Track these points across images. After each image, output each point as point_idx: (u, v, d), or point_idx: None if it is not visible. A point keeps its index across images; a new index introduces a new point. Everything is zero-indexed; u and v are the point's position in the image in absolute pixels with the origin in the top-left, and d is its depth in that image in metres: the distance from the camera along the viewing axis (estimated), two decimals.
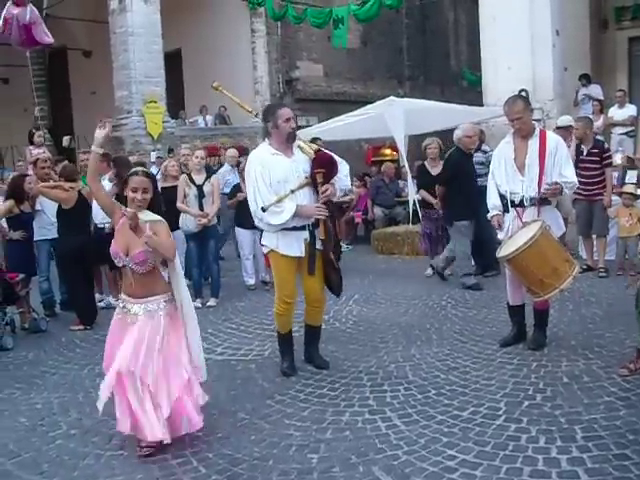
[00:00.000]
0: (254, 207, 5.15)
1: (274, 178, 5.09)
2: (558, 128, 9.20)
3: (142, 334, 4.11)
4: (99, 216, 8.08)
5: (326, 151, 5.33)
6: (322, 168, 5.12)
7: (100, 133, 4.32)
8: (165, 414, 4.05)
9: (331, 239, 5.21)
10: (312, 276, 5.21)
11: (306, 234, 5.15)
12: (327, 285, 5.33)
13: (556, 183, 5.35)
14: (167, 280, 4.30)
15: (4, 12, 12.15)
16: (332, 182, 5.21)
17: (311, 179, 5.13)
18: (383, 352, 5.82)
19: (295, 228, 5.12)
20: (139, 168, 4.48)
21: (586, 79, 14.42)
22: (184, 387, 4.19)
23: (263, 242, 5.34)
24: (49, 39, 12.57)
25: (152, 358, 4.08)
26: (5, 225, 7.75)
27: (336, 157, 5.39)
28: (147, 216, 4.23)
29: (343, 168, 5.32)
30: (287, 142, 5.18)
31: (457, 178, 8.16)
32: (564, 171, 5.43)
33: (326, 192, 5.11)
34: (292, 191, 5.07)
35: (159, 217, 4.28)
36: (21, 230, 7.59)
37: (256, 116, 5.20)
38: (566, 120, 9.48)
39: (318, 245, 5.17)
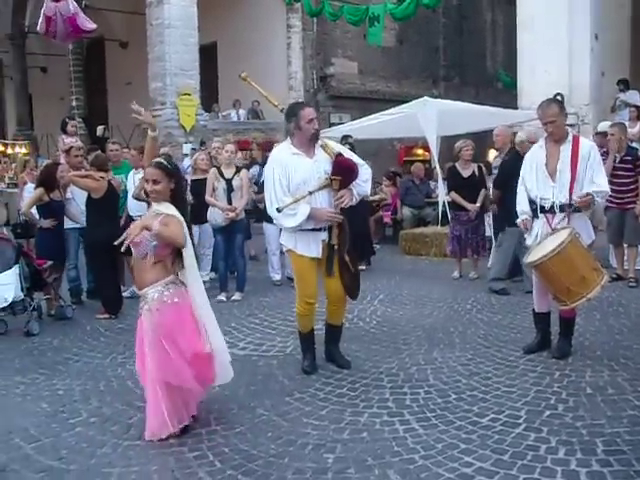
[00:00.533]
0: (269, 207, 5.15)
1: (293, 180, 5.06)
2: (597, 134, 9.06)
3: (143, 329, 4.24)
4: (133, 208, 8.19)
5: (347, 156, 5.19)
6: (339, 175, 5.04)
7: (147, 116, 4.36)
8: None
9: (346, 242, 5.12)
10: (333, 276, 5.18)
11: (324, 235, 5.12)
12: (344, 289, 5.26)
13: (587, 194, 5.26)
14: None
15: (44, 9, 12.24)
16: (350, 188, 5.13)
17: (330, 182, 5.08)
18: (405, 354, 5.78)
19: (313, 229, 5.10)
20: (155, 159, 4.48)
21: (624, 84, 14.17)
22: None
23: (282, 241, 5.34)
24: (92, 25, 12.72)
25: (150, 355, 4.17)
26: (36, 213, 7.84)
27: (358, 160, 5.26)
28: (166, 209, 4.25)
29: (364, 173, 5.20)
30: (310, 142, 5.13)
31: (513, 182, 7.97)
32: (596, 178, 5.33)
33: (340, 199, 5.06)
34: (310, 193, 5.02)
35: (174, 212, 4.25)
36: (51, 218, 7.66)
37: (281, 111, 5.18)
38: (605, 126, 9.33)
39: (333, 249, 5.12)
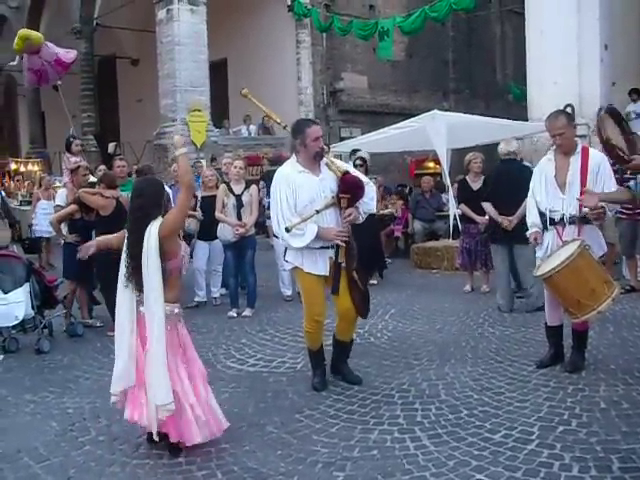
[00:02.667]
0: (276, 227, 5.13)
1: (300, 198, 5.04)
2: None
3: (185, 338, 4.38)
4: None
5: (354, 173, 5.19)
6: (347, 193, 5.02)
7: (179, 140, 4.43)
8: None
9: (354, 260, 5.08)
10: (337, 294, 5.14)
11: (331, 252, 5.08)
12: (354, 307, 5.20)
13: (600, 206, 5.21)
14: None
15: (26, 66, 12.35)
16: (357, 205, 5.11)
17: (337, 200, 5.07)
18: (416, 369, 5.73)
19: (321, 247, 5.07)
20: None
21: (637, 94, 14.06)
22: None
23: (287, 259, 5.26)
24: (73, 53, 12.86)
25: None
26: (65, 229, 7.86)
27: (363, 178, 5.24)
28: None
29: (369, 190, 5.19)
30: (314, 160, 5.12)
31: (499, 194, 7.97)
32: (607, 189, 5.28)
33: (348, 217, 5.03)
34: (317, 211, 5.00)
35: None
36: (76, 234, 7.69)
37: (285, 128, 5.18)
38: None
39: (340, 267, 5.08)
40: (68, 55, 12.56)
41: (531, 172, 8.46)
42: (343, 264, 5.07)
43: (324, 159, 5.16)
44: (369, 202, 5.21)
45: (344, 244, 5.04)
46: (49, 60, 12.13)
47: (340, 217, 5.09)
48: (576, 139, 5.52)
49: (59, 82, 12.87)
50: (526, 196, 7.36)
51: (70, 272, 7.59)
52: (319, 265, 5.10)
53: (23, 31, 12.12)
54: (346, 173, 5.08)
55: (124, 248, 4.30)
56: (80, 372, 6.12)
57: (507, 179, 7.85)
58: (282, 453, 4.18)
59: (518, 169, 8.02)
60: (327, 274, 5.10)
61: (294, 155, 5.29)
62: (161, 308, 4.12)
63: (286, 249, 5.27)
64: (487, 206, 8.08)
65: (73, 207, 7.70)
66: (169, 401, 4.03)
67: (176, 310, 4.27)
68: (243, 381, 5.61)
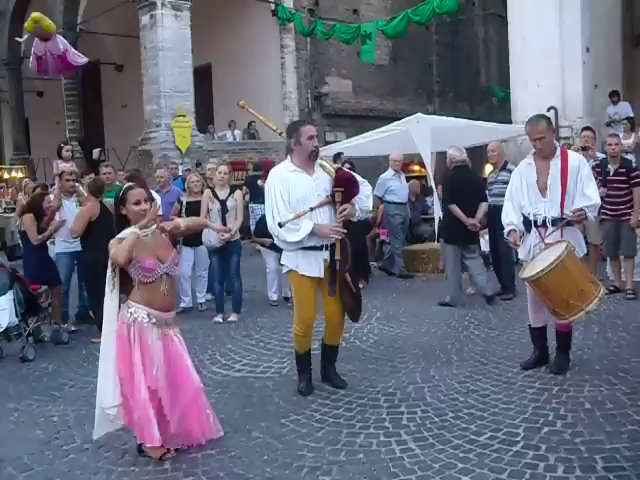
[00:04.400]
0: (271, 222, 5.12)
1: (294, 196, 5.05)
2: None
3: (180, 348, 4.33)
4: None
5: (346, 170, 5.27)
6: (341, 187, 5.05)
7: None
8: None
9: (348, 260, 5.09)
10: (333, 298, 5.14)
11: (326, 254, 5.08)
12: (345, 310, 5.23)
13: (580, 209, 5.25)
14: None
15: (33, 49, 12.33)
16: (352, 202, 5.12)
17: (331, 198, 5.08)
18: (402, 373, 5.74)
19: (314, 248, 5.07)
20: (130, 183, 4.52)
21: (617, 96, 14.16)
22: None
23: (283, 262, 5.27)
24: (83, 59, 12.77)
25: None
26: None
27: (358, 178, 5.27)
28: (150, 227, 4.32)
29: (364, 189, 5.21)
30: (309, 160, 5.13)
31: (457, 197, 8.47)
32: (586, 190, 5.31)
33: (344, 212, 5.04)
34: (311, 209, 5.02)
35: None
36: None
37: (280, 134, 5.20)
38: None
39: (336, 266, 5.07)
40: (77, 58, 12.51)
41: (480, 178, 8.81)
42: (338, 261, 5.05)
43: (318, 160, 5.17)
44: (365, 199, 5.23)
45: (339, 241, 5.04)
46: (53, 53, 12.09)
47: (335, 216, 5.10)
48: (555, 143, 5.56)
49: (62, 77, 12.86)
50: (480, 200, 8.28)
51: (34, 278, 7.53)
52: (313, 267, 5.10)
53: (36, 14, 12.02)
54: (339, 169, 5.17)
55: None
56: (65, 380, 6.09)
57: (463, 184, 8.41)
58: (268, 458, 4.17)
59: (471, 175, 8.75)
60: (322, 276, 5.10)
61: (288, 156, 5.31)
62: (110, 303, 4.18)
63: (282, 252, 5.29)
64: (454, 208, 8.45)
65: (30, 218, 7.67)
66: (110, 404, 4.17)
67: (140, 316, 4.17)
68: (229, 386, 5.59)
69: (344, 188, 5.06)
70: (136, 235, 4.14)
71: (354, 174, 5.31)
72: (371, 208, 5.48)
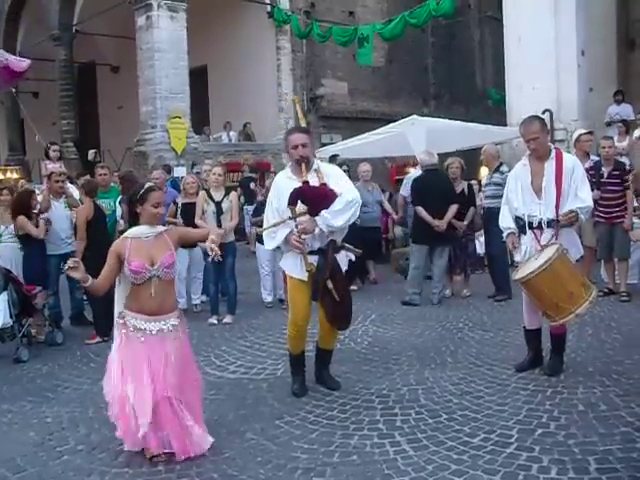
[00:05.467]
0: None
1: (283, 203, 5.07)
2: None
3: (173, 353, 4.24)
4: None
5: (333, 183, 5.06)
6: (292, 204, 4.96)
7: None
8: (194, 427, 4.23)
9: (327, 269, 5.02)
10: (317, 301, 5.18)
11: (312, 259, 5.07)
12: (326, 316, 5.21)
13: (571, 211, 5.26)
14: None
15: None
16: (314, 218, 4.99)
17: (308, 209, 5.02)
18: (396, 374, 5.74)
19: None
20: (151, 184, 4.55)
21: (622, 96, 14.15)
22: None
23: (280, 263, 5.41)
24: (25, 62, 12.67)
25: (178, 375, 4.22)
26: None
27: (345, 187, 5.10)
28: (158, 228, 4.37)
29: (337, 203, 5.03)
30: (299, 167, 5.13)
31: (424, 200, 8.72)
32: (580, 192, 5.33)
33: (300, 227, 4.98)
34: (290, 218, 5.01)
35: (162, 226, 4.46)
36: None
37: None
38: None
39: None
40: (19, 63, 12.40)
41: (450, 182, 8.97)
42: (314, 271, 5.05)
43: (315, 166, 5.15)
44: (330, 217, 4.98)
45: (318, 252, 5.07)
46: None
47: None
48: (549, 144, 5.57)
49: (13, 89, 12.79)
50: (449, 202, 8.55)
51: (30, 279, 7.51)
52: (298, 269, 5.13)
53: None
54: (305, 183, 5.02)
55: None
56: (59, 381, 6.08)
57: (431, 187, 8.66)
58: (262, 460, 4.17)
59: (440, 178, 8.91)
60: (305, 279, 5.11)
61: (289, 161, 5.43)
62: (115, 308, 4.34)
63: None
64: (420, 210, 8.73)
65: (22, 220, 7.64)
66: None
67: (122, 320, 4.25)
68: (223, 388, 5.59)
69: (294, 206, 4.98)
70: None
71: (326, 189, 5.06)
72: (338, 225, 5.18)
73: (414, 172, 10.87)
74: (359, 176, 10.20)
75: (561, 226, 5.32)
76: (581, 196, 5.33)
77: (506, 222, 5.61)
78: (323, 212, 4.97)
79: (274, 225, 5.07)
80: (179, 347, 4.26)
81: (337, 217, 5.00)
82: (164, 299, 4.26)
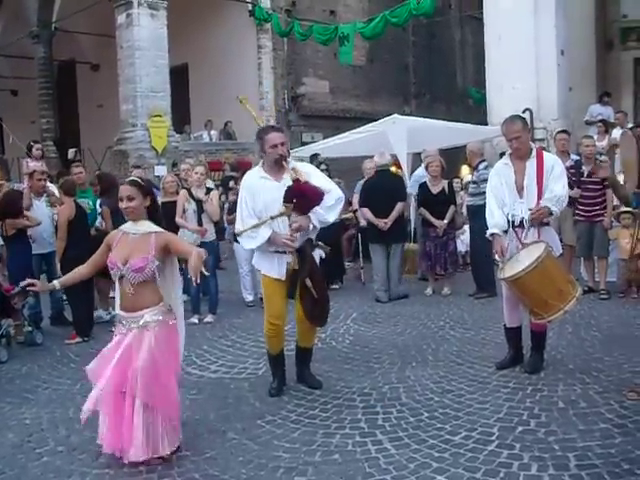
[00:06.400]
0: (239, 227, 5.17)
1: (258, 203, 5.07)
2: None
3: (131, 349, 4.11)
4: None
5: (314, 181, 5.07)
6: (289, 201, 4.96)
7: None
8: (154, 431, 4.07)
9: (306, 267, 5.05)
10: (295, 299, 5.18)
11: (289, 258, 5.09)
12: (305, 314, 5.19)
13: (540, 207, 5.27)
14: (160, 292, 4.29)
15: None
16: (308, 215, 5.03)
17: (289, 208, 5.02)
18: (378, 373, 5.75)
19: (278, 251, 5.10)
20: (130, 178, 4.51)
21: (608, 96, 14.26)
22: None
23: (253, 261, 5.36)
24: None
25: (141, 374, 4.04)
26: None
27: (328, 186, 5.17)
28: (149, 227, 4.26)
29: (329, 199, 5.10)
30: (275, 167, 5.12)
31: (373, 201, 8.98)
32: (553, 186, 5.34)
33: (294, 225, 5.00)
34: (272, 218, 5.01)
35: (158, 228, 4.28)
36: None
37: None
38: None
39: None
40: None
41: (399, 181, 9.34)
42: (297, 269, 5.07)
43: (290, 165, 5.12)
44: (325, 212, 5.10)
45: (296, 251, 5.05)
46: None
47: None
48: (531, 143, 5.60)
49: None
50: (396, 201, 8.80)
51: (17, 278, 7.44)
52: (275, 269, 5.13)
53: None
54: (296, 181, 5.01)
55: None
56: (39, 382, 6.02)
57: (382, 187, 8.94)
58: (243, 459, 4.16)
59: (389, 179, 9.22)
60: (283, 278, 5.12)
61: (261, 160, 5.34)
62: None
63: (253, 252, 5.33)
64: (365, 211, 9.10)
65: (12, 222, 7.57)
66: None
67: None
68: (204, 387, 5.57)
69: (295, 204, 4.98)
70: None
71: (323, 181, 5.19)
72: (331, 220, 5.32)
73: (421, 170, 10.61)
74: (364, 173, 10.26)
75: (531, 223, 5.34)
76: (553, 189, 5.34)
77: (494, 219, 5.50)
78: (317, 208, 5.04)
79: (256, 226, 5.03)
80: (151, 345, 4.12)
81: (329, 213, 5.15)
82: (137, 298, 4.20)
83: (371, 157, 9.77)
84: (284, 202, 4.98)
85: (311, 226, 5.10)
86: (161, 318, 4.20)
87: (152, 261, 4.16)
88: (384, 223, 8.79)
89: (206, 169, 8.95)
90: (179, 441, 4.25)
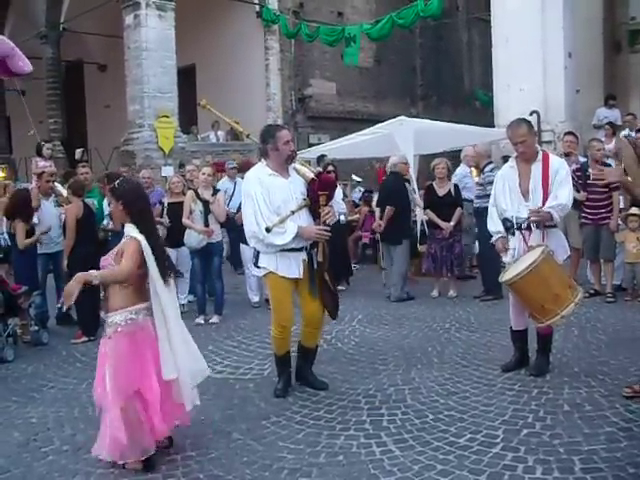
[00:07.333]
0: (255, 228, 5.07)
1: (274, 199, 5.08)
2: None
3: (104, 352, 4.19)
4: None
5: (328, 174, 5.35)
6: (325, 190, 5.11)
7: None
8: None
9: (326, 260, 5.14)
10: (313, 298, 5.16)
11: (304, 255, 5.12)
12: (324, 308, 5.26)
13: (538, 210, 5.27)
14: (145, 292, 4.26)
15: None
16: (331, 204, 5.19)
17: (310, 201, 5.11)
18: (383, 375, 5.75)
19: (293, 249, 5.09)
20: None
21: (614, 99, 14.21)
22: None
23: (260, 264, 5.21)
24: (27, 68, 11.94)
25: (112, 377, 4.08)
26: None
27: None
28: (131, 231, 4.19)
29: (338, 192, 5.32)
30: (285, 164, 5.18)
31: (393, 200, 8.98)
32: (558, 192, 5.34)
33: (328, 214, 5.10)
34: (293, 212, 5.06)
35: (135, 234, 4.15)
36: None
37: (248, 136, 5.23)
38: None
39: (315, 266, 5.13)
40: (18, 65, 11.50)
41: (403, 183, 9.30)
42: (317, 263, 5.12)
43: (292, 164, 5.21)
44: (340, 202, 5.36)
45: (322, 243, 5.11)
46: None
47: (311, 218, 5.16)
48: (537, 146, 5.59)
49: None
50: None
51: (22, 279, 7.48)
52: (292, 268, 5.12)
53: None
54: (321, 173, 5.22)
55: None
56: (45, 381, 6.05)
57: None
58: (248, 460, 4.16)
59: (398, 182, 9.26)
60: (301, 277, 5.13)
61: (262, 159, 5.33)
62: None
63: (258, 255, 5.23)
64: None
65: (22, 226, 7.58)
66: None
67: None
68: (210, 388, 5.56)
69: (328, 192, 5.13)
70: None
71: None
72: (345, 211, 5.59)
73: (462, 169, 10.65)
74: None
75: (536, 225, 5.34)
76: (558, 195, 5.33)
77: (495, 226, 5.61)
78: (336, 199, 5.34)
79: (281, 221, 5.03)
80: (112, 347, 4.11)
81: (343, 204, 5.38)
82: (109, 300, 4.21)
83: (380, 158, 9.94)
84: (319, 192, 5.07)
85: (336, 215, 5.28)
86: (122, 323, 4.10)
87: (110, 264, 4.14)
88: (378, 225, 9.00)
89: (213, 169, 8.98)
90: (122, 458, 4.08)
